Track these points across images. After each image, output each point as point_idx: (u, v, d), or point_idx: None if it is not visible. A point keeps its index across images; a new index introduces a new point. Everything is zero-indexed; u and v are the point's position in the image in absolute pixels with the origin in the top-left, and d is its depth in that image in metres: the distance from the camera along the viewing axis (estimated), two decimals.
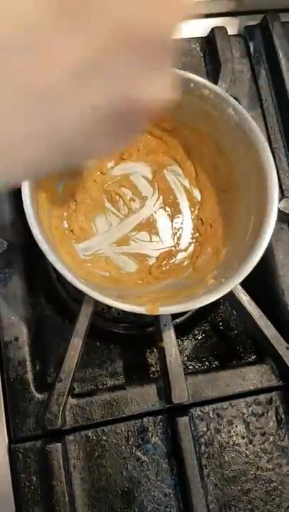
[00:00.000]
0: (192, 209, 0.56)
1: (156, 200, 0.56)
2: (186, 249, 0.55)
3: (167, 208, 0.56)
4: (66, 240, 0.52)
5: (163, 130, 0.55)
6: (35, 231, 0.42)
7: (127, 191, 0.55)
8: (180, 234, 0.55)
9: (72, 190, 0.53)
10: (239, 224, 0.50)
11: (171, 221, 0.55)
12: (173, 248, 0.55)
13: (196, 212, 0.56)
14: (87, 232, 0.53)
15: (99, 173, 0.55)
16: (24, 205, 0.42)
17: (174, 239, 0.55)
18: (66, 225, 0.53)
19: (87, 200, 0.54)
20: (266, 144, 0.47)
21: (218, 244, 0.52)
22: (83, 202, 0.54)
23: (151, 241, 0.54)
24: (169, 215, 0.56)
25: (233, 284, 0.44)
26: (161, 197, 0.56)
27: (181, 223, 0.55)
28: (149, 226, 0.55)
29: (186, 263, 0.54)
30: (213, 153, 0.53)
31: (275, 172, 0.46)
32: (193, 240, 0.55)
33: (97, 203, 0.54)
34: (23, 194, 0.42)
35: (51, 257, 0.41)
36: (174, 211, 0.56)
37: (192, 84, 0.48)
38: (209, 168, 0.54)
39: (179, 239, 0.55)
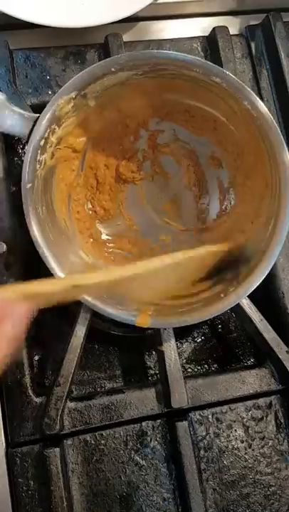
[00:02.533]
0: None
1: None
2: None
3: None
4: (89, 222, 0.52)
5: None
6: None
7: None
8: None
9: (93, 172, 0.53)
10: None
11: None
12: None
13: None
14: (112, 211, 0.54)
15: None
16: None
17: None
18: (90, 206, 0.53)
19: (109, 178, 0.54)
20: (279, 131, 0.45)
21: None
22: (105, 181, 0.54)
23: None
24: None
25: (238, 300, 0.44)
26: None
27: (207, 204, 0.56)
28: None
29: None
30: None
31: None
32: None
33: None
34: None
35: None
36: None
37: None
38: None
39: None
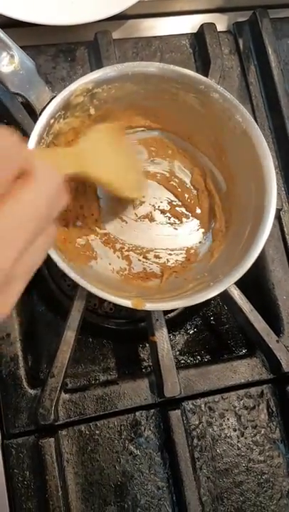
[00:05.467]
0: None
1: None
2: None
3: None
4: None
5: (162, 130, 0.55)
6: None
7: None
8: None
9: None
10: (237, 225, 0.51)
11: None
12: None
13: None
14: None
15: None
16: None
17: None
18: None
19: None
20: (269, 153, 0.48)
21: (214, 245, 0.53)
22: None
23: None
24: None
25: (228, 284, 0.45)
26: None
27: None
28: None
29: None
30: (215, 155, 0.54)
31: (275, 181, 0.47)
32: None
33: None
34: None
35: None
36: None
37: (202, 87, 0.49)
38: (207, 170, 0.55)
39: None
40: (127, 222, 0.53)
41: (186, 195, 0.55)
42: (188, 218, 0.55)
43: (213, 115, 0.50)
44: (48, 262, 0.54)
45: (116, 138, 0.50)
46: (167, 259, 0.53)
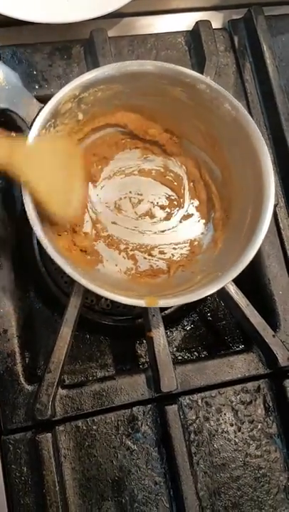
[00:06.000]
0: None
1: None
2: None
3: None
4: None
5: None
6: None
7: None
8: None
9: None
10: (237, 212, 0.51)
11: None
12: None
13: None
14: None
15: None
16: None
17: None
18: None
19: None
20: (261, 136, 0.48)
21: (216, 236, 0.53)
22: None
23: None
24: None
25: (236, 273, 0.45)
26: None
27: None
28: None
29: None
30: (207, 145, 0.54)
31: (271, 163, 0.48)
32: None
33: None
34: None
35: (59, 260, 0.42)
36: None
37: (189, 80, 0.49)
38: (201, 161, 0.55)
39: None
40: (128, 222, 0.54)
41: (183, 188, 0.55)
42: (188, 211, 0.55)
43: (202, 106, 0.50)
44: (44, 258, 0.55)
45: (66, 151, 0.50)
46: (172, 254, 0.53)
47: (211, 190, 0.54)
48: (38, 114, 0.46)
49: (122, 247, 0.53)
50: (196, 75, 0.50)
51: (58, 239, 0.49)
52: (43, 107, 0.46)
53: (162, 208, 0.55)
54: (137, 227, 0.54)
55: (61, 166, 0.49)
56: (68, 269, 0.42)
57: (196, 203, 0.55)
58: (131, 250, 0.53)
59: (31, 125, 0.46)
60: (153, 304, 0.44)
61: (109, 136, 0.55)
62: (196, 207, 0.55)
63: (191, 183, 0.56)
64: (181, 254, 0.54)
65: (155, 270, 0.53)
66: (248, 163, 0.49)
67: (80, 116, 0.50)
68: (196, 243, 0.54)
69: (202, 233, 0.55)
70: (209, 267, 0.50)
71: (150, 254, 0.53)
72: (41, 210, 0.44)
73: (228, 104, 0.49)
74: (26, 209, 0.43)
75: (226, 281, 0.45)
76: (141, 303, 0.44)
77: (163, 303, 0.44)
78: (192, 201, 0.55)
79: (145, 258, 0.53)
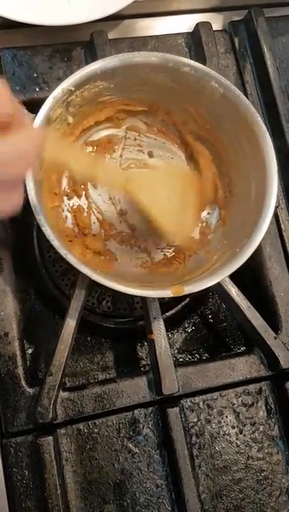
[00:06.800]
0: None
1: None
2: None
3: None
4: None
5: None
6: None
7: None
8: None
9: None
10: (240, 186, 0.51)
11: None
12: None
13: None
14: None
15: None
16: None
17: None
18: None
19: None
20: (252, 106, 0.49)
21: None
22: None
23: None
24: None
25: (255, 245, 0.46)
26: None
27: None
28: None
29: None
30: (198, 126, 0.54)
31: (267, 132, 0.48)
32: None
33: None
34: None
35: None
36: None
37: (171, 64, 0.49)
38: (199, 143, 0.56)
39: None
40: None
41: None
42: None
43: (188, 88, 0.51)
44: (45, 260, 0.55)
45: (184, 180, 0.53)
46: None
47: (211, 170, 0.55)
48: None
49: (133, 241, 0.53)
50: (177, 58, 0.49)
51: (70, 245, 0.49)
52: (35, 116, 0.46)
53: None
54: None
55: (177, 191, 0.51)
56: (103, 281, 0.42)
57: None
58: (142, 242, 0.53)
59: None
60: (180, 293, 0.44)
61: (106, 135, 0.55)
62: None
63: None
64: (192, 237, 0.54)
65: (170, 258, 0.53)
66: (243, 137, 0.50)
67: (70, 120, 0.50)
68: (204, 224, 0.55)
69: (208, 213, 0.55)
70: (223, 245, 0.51)
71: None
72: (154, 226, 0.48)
73: (214, 81, 0.50)
74: (40, 224, 0.43)
75: (247, 256, 0.45)
76: (168, 293, 0.44)
77: (188, 289, 0.44)
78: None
79: (158, 248, 0.53)
